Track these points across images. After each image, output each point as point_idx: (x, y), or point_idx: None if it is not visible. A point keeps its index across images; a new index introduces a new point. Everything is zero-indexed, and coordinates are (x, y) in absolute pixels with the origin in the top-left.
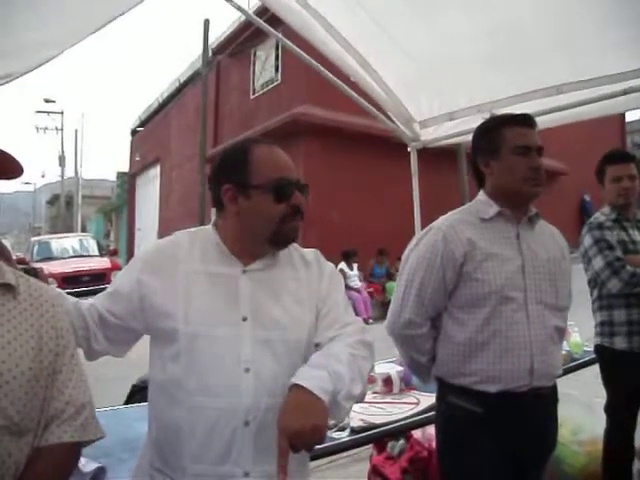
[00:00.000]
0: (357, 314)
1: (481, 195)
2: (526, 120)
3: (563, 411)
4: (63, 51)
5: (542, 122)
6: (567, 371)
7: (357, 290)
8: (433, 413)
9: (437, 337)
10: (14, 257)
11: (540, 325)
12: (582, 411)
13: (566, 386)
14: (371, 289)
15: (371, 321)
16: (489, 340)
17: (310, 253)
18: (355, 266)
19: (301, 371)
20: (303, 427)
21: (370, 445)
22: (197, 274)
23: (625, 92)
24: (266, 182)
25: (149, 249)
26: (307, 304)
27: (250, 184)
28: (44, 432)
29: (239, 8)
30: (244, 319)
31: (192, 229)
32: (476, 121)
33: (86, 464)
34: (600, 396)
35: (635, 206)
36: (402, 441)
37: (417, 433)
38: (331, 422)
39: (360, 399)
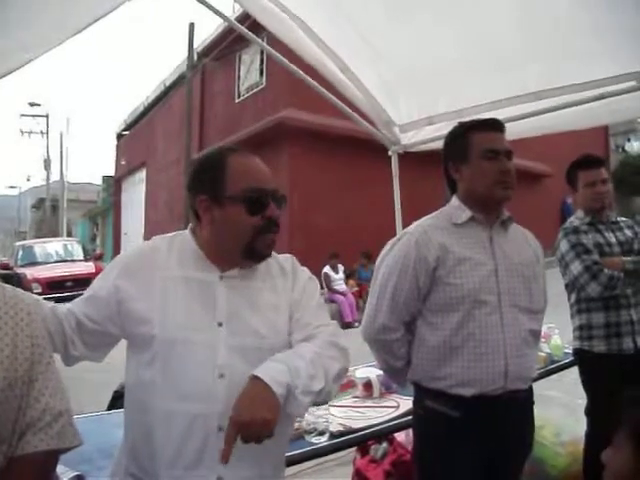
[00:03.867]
0: (343, 317)
1: (454, 200)
2: (494, 125)
3: (545, 413)
4: (41, 54)
5: (522, 130)
6: (547, 373)
7: (342, 293)
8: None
9: (412, 341)
10: None
11: (514, 328)
12: (564, 413)
13: (548, 388)
14: (356, 288)
15: (357, 324)
16: (463, 344)
17: (286, 261)
18: (341, 269)
19: (262, 365)
20: (252, 419)
21: (354, 449)
22: (174, 279)
23: (602, 97)
24: (239, 193)
25: (126, 254)
26: (282, 312)
27: (224, 195)
28: (19, 441)
29: (222, 16)
30: (219, 325)
31: (170, 234)
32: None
33: (65, 472)
34: (581, 397)
35: (609, 209)
36: (385, 444)
37: (400, 436)
38: (310, 427)
39: (323, 396)
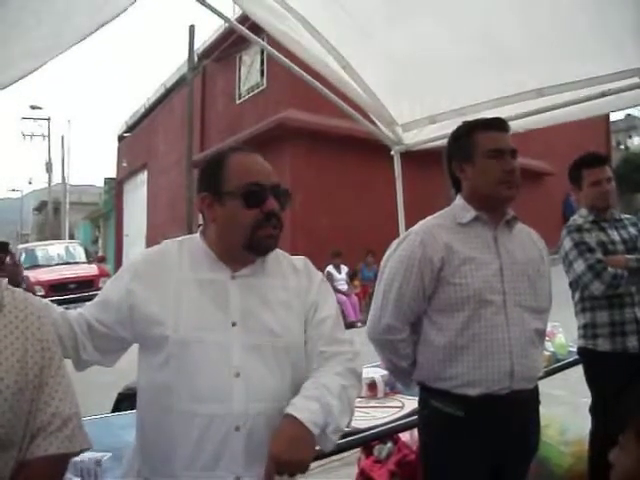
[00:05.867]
0: (345, 317)
1: (458, 200)
2: (498, 124)
3: (550, 412)
4: (47, 62)
5: (525, 123)
6: (552, 372)
7: (345, 293)
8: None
9: (417, 341)
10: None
11: (520, 328)
12: (568, 411)
13: (553, 387)
14: (358, 290)
15: (359, 324)
16: (469, 344)
17: (299, 261)
18: (344, 270)
19: (296, 401)
20: (291, 459)
21: (358, 449)
22: (186, 281)
23: (604, 94)
24: (237, 188)
25: (138, 258)
26: (296, 312)
27: (223, 191)
28: (30, 445)
29: (223, 17)
30: (234, 324)
31: (180, 238)
32: (458, 124)
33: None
34: (586, 396)
35: (613, 207)
36: (390, 444)
37: (405, 436)
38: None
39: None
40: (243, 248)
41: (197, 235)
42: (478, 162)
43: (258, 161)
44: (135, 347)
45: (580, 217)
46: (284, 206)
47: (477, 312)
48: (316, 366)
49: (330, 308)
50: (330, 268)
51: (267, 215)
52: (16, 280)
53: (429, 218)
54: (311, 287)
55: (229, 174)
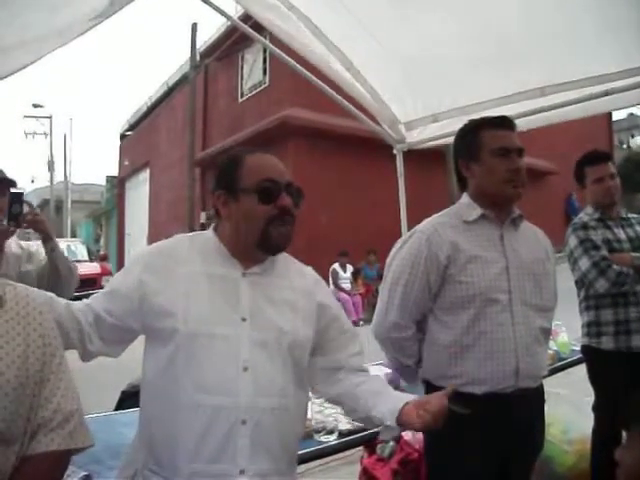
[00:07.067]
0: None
1: (464, 198)
2: (504, 122)
3: (553, 410)
4: (42, 56)
5: (527, 122)
6: (555, 371)
7: (348, 292)
8: None
9: (423, 340)
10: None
11: (525, 326)
12: (572, 410)
13: (556, 385)
14: (362, 290)
15: (361, 323)
16: (474, 342)
17: (307, 267)
18: (349, 269)
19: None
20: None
21: (361, 447)
22: (198, 275)
23: (607, 93)
24: (252, 184)
25: (150, 250)
26: (301, 312)
27: (238, 187)
28: (31, 441)
29: (225, 15)
30: (243, 320)
31: (191, 233)
32: (461, 123)
33: (72, 474)
34: (589, 395)
35: (619, 204)
36: (392, 443)
37: (407, 434)
38: (319, 426)
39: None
40: (256, 245)
41: (209, 232)
42: (484, 160)
43: (273, 160)
44: (137, 345)
45: (586, 215)
46: (297, 204)
47: (483, 310)
48: (354, 377)
49: (343, 318)
50: (336, 265)
51: (281, 211)
52: (43, 230)
53: (435, 216)
54: (319, 292)
55: (245, 172)
